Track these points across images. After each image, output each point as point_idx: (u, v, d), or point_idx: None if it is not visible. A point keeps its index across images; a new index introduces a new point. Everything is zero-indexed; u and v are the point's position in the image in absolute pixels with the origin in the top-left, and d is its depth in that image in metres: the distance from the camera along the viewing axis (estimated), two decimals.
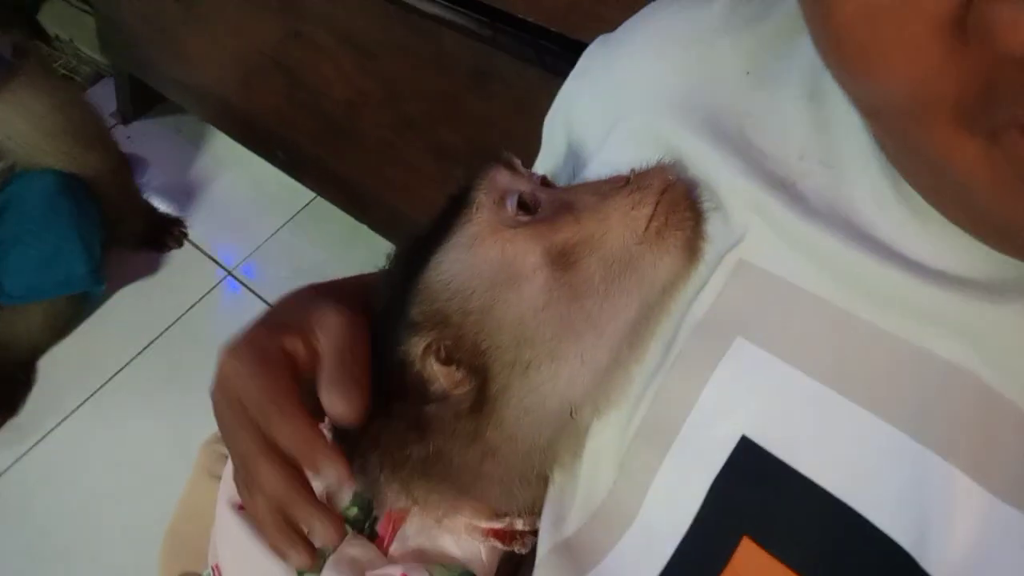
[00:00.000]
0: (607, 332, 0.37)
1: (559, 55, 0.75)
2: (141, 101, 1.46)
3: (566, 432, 0.39)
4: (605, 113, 0.43)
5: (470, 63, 0.84)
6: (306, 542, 0.34)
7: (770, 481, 0.31)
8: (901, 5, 0.20)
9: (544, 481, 0.42)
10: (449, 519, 0.43)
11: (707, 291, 0.35)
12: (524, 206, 0.40)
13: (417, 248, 0.44)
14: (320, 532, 0.34)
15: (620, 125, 0.41)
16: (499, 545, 0.43)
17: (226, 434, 0.36)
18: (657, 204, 0.36)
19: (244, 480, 0.35)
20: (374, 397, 0.40)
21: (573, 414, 0.38)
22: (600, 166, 0.42)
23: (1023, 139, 0.20)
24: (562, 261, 0.38)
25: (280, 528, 0.34)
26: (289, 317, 0.38)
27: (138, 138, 1.42)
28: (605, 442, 0.38)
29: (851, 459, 0.29)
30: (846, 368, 0.30)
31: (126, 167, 1.23)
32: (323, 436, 0.34)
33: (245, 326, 0.39)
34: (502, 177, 0.41)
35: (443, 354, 0.39)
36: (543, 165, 0.49)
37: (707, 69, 0.38)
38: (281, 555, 0.35)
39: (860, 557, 0.29)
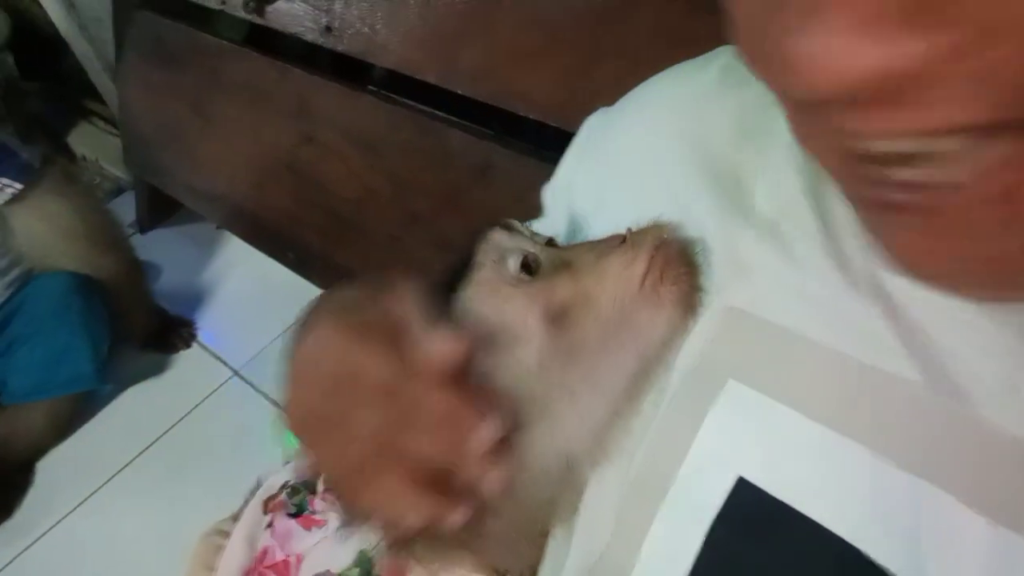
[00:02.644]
0: (605, 389, 0.37)
1: (557, 146, 0.79)
2: (158, 211, 1.52)
3: (566, 487, 0.38)
4: (602, 181, 0.45)
5: (473, 158, 0.88)
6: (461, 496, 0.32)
7: (767, 521, 0.31)
8: None
9: (546, 537, 0.41)
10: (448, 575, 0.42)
11: (697, 337, 0.35)
12: (525, 266, 0.41)
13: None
14: (495, 474, 0.32)
15: (617, 188, 0.43)
16: None
17: (333, 424, 0.33)
18: (651, 260, 0.37)
19: (367, 465, 0.33)
20: None
21: (572, 469, 0.38)
22: (600, 229, 0.43)
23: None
24: (560, 321, 0.38)
25: (438, 488, 0.32)
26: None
27: (153, 246, 1.47)
28: (603, 496, 0.38)
29: (848, 496, 0.29)
30: (840, 406, 0.30)
31: (140, 271, 1.26)
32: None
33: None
34: (501, 238, 0.43)
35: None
36: (541, 231, 0.50)
37: (700, 129, 0.40)
38: (439, 517, 0.32)
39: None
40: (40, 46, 1.78)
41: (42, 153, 1.14)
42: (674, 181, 0.40)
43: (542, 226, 0.50)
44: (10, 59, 1.68)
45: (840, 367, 0.30)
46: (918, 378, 0.28)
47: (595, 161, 0.47)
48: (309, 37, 1.02)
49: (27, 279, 1.15)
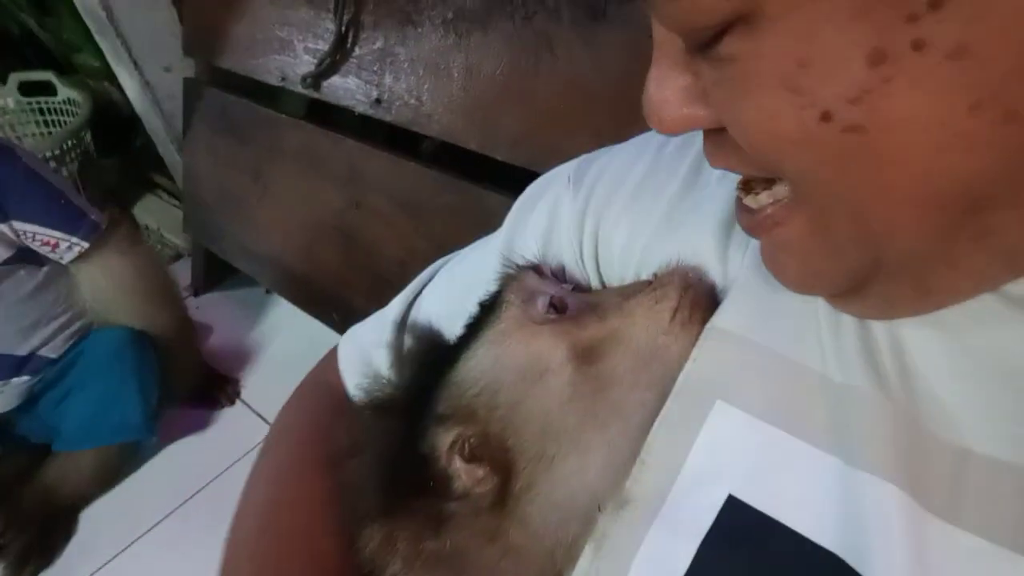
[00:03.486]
0: (633, 421, 0.38)
1: None
2: (211, 276, 1.59)
3: (591, 526, 0.39)
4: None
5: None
6: None
7: (755, 536, 0.32)
8: None
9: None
10: None
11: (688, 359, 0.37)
12: (553, 307, 0.43)
13: (444, 350, 0.47)
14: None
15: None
16: None
17: None
18: (680, 298, 0.39)
19: None
20: (390, 495, 0.41)
21: (601, 508, 0.38)
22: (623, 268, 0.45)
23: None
24: (588, 356, 0.40)
25: None
26: None
27: (205, 308, 1.54)
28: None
29: (827, 506, 0.31)
30: (825, 425, 0.32)
31: (191, 329, 1.31)
32: None
33: None
34: (531, 279, 0.45)
35: (467, 451, 0.40)
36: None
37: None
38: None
39: None
40: (116, 124, 1.93)
41: (109, 216, 1.22)
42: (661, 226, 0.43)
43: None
44: (88, 136, 1.82)
45: (820, 387, 0.33)
46: (879, 394, 0.31)
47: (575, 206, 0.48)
48: (360, 109, 1.09)
49: (87, 332, 1.21)
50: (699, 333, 0.38)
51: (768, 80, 0.24)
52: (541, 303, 0.43)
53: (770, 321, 0.35)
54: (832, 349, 0.33)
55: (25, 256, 1.14)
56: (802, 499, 0.31)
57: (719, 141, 0.29)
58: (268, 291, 1.53)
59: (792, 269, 0.31)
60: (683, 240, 0.41)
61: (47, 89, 1.95)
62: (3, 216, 1.10)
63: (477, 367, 0.44)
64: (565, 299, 0.43)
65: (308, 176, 1.20)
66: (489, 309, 0.46)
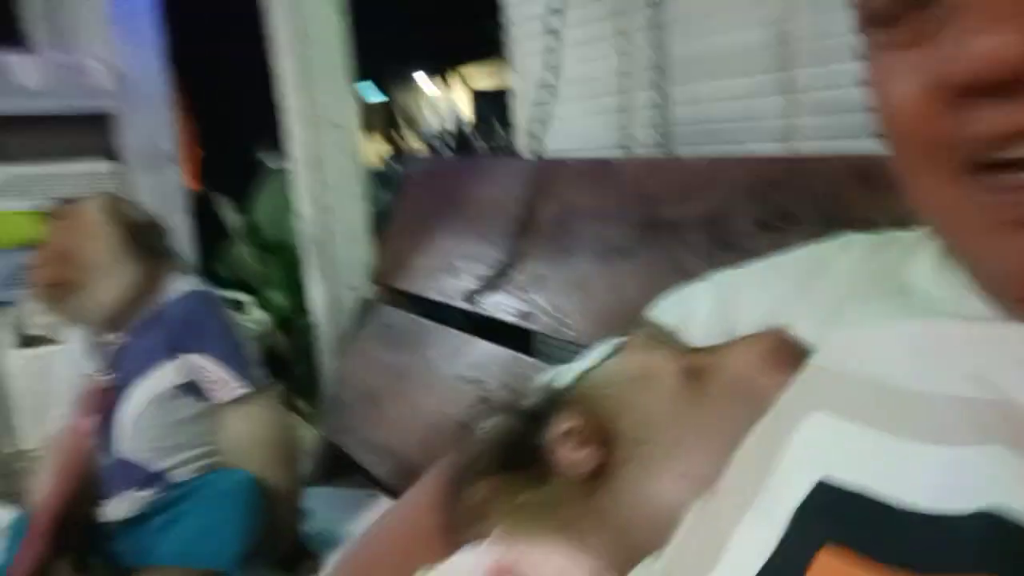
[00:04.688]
0: (723, 429, 0.45)
1: None
2: (326, 471, 1.69)
3: (676, 509, 0.45)
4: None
5: None
6: None
7: (841, 503, 0.35)
8: None
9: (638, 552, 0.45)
10: (546, 560, 0.47)
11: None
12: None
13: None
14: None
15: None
16: None
17: None
18: (773, 342, 0.49)
19: None
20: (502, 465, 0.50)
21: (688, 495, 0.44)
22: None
23: None
24: (693, 375, 0.49)
25: None
26: None
27: (311, 495, 1.60)
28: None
29: (929, 481, 0.33)
30: (918, 422, 0.36)
31: (299, 496, 1.39)
32: None
33: None
34: (655, 325, 0.56)
35: (578, 435, 0.49)
36: None
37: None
38: None
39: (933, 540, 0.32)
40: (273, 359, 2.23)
41: (268, 375, 1.40)
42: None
43: None
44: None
45: (907, 396, 0.37)
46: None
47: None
48: (508, 319, 1.26)
49: (212, 469, 1.31)
50: (786, 373, 0.46)
51: None
52: (662, 338, 0.53)
53: (863, 355, 0.41)
54: (915, 370, 0.38)
55: (192, 388, 1.32)
56: (896, 476, 0.34)
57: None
58: (372, 495, 1.59)
59: None
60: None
61: (240, 307, 2.33)
62: (191, 349, 1.30)
63: (600, 373, 0.53)
64: (675, 339, 0.53)
65: (439, 374, 1.35)
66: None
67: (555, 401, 0.52)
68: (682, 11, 1.28)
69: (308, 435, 1.80)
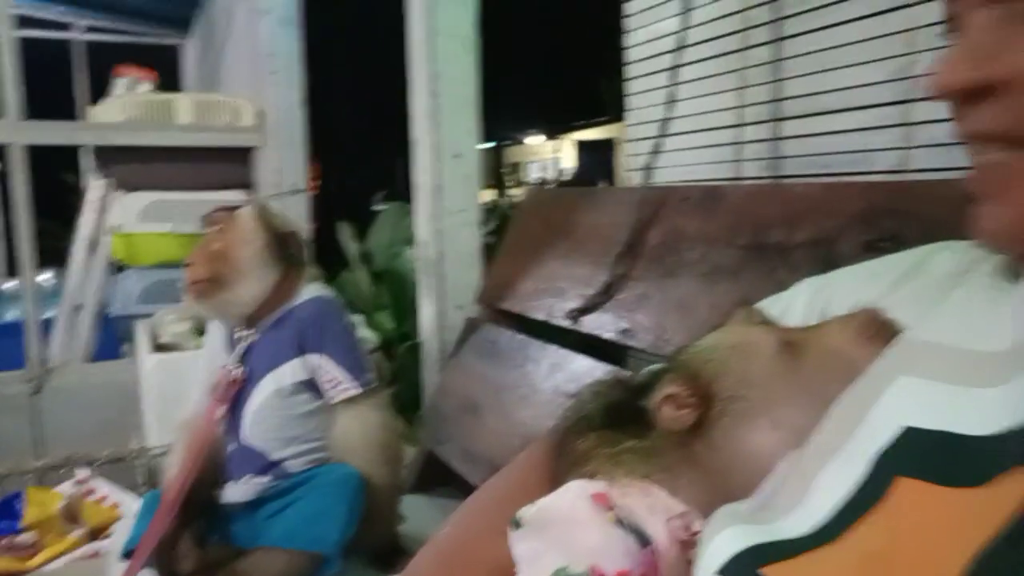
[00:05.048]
0: (814, 396, 0.49)
1: None
2: (424, 481, 1.75)
3: (767, 460, 0.49)
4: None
5: None
6: None
7: (924, 440, 0.39)
8: None
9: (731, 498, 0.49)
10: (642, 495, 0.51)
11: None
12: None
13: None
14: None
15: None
16: (679, 531, 0.49)
17: None
18: (866, 320, 0.52)
19: None
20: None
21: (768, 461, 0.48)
22: None
23: None
24: (790, 347, 0.53)
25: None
26: None
27: (407, 502, 1.67)
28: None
29: (984, 416, 0.37)
30: (992, 376, 0.40)
31: (399, 494, 1.45)
32: None
33: None
34: (757, 307, 0.61)
35: (679, 398, 0.54)
36: None
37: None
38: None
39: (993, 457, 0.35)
40: None
41: (378, 377, 1.49)
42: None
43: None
44: None
45: (980, 357, 0.42)
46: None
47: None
48: (608, 337, 1.31)
49: (323, 463, 1.40)
50: (877, 346, 0.49)
51: None
52: (759, 316, 0.57)
53: (943, 326, 0.46)
54: (986, 335, 0.42)
55: (312, 385, 1.42)
56: (965, 416, 0.38)
57: (978, 108, 0.40)
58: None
59: (1008, 218, 0.42)
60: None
61: None
62: (316, 348, 1.41)
63: (702, 343, 0.57)
64: (774, 322, 0.57)
65: (542, 389, 1.40)
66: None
67: (660, 372, 0.56)
68: (801, 48, 1.32)
69: (408, 450, 1.88)
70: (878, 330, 0.51)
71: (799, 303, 0.63)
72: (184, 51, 5.04)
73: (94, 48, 4.81)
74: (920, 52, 1.11)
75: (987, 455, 0.36)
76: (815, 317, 0.59)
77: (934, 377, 0.42)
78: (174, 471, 1.41)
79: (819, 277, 0.66)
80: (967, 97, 0.41)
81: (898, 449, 0.40)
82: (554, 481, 0.55)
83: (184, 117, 3.01)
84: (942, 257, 0.55)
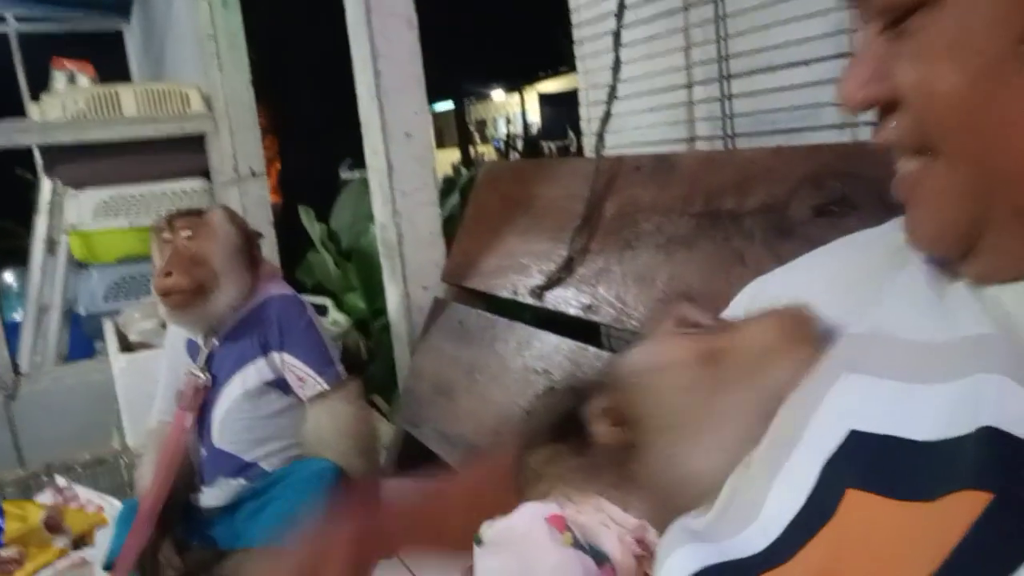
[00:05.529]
0: (744, 413, 0.48)
1: None
2: (403, 463, 1.76)
3: (701, 479, 0.48)
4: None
5: None
6: None
7: (870, 446, 0.39)
8: None
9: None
10: (598, 513, 0.51)
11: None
12: (695, 324, 0.56)
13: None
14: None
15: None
16: (633, 546, 0.49)
17: None
18: (787, 319, 0.50)
19: None
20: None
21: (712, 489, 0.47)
22: None
23: None
24: (712, 359, 0.52)
25: None
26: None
27: (387, 488, 1.68)
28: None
29: (944, 412, 0.37)
30: (934, 369, 0.40)
31: (375, 485, 1.46)
32: None
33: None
34: (683, 306, 0.59)
35: (611, 415, 0.53)
36: None
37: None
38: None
39: (946, 464, 0.35)
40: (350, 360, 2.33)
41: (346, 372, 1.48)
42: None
43: None
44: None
45: (923, 349, 0.41)
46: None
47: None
48: (572, 312, 1.30)
49: (298, 458, 1.40)
50: (806, 346, 0.48)
51: (939, 49, 0.36)
52: (681, 319, 0.56)
53: (887, 315, 0.45)
54: (930, 325, 0.42)
55: (279, 384, 1.41)
56: (912, 417, 0.38)
57: (886, 120, 0.41)
58: None
59: (928, 224, 0.42)
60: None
61: (322, 310, 2.44)
62: (280, 347, 1.39)
63: (630, 358, 0.57)
64: (706, 323, 0.56)
65: (513, 368, 1.40)
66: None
67: (598, 382, 0.56)
68: (743, 3, 1.29)
69: (385, 429, 1.88)
70: (798, 325, 0.50)
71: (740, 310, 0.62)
72: (127, 37, 4.86)
73: (32, 39, 4.63)
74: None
75: (936, 465, 0.35)
76: None
77: (878, 373, 0.41)
78: (147, 481, 1.40)
79: (760, 280, 0.64)
80: (872, 108, 0.42)
81: (845, 456, 0.39)
82: (513, 493, 0.55)
83: (130, 108, 2.92)
84: (871, 240, 0.54)
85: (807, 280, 0.55)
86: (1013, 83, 0.35)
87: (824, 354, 0.47)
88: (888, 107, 0.41)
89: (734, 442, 0.47)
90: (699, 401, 0.49)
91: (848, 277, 0.53)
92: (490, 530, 0.51)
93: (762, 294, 0.59)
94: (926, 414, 0.37)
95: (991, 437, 0.33)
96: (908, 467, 0.36)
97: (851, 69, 0.42)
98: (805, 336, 0.48)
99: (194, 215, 1.42)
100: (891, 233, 0.54)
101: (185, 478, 1.41)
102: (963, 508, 0.32)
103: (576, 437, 0.54)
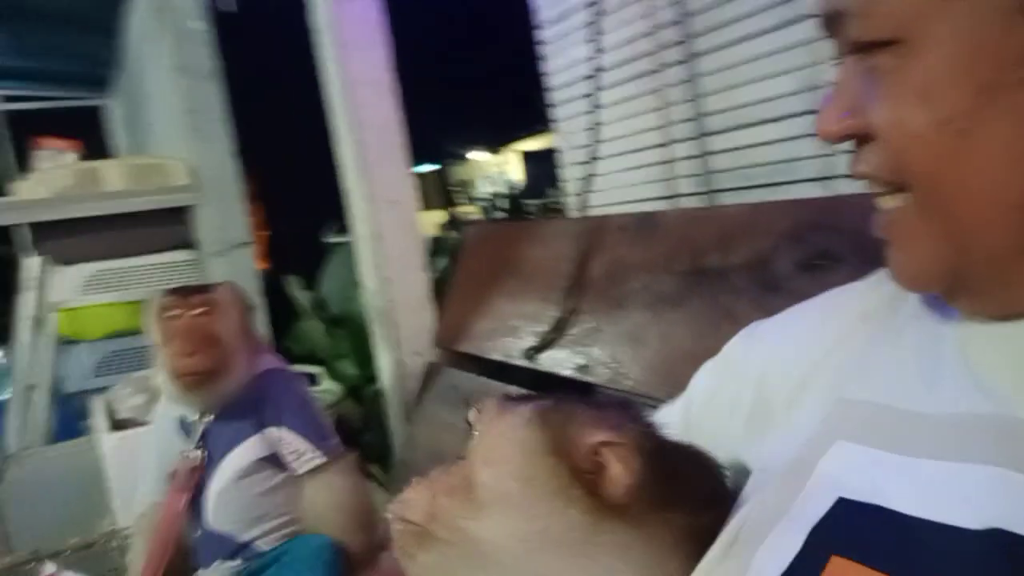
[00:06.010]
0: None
1: None
2: None
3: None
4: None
5: None
6: None
7: (856, 515, 0.39)
8: None
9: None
10: None
11: (812, 420, 0.47)
12: None
13: None
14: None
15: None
16: None
17: None
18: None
19: None
20: None
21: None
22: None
23: None
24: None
25: None
26: None
27: (387, 560, 1.64)
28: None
29: (934, 493, 0.37)
30: (924, 442, 0.39)
31: (377, 555, 1.43)
32: None
33: None
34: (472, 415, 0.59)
35: None
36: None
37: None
38: None
39: (939, 549, 0.35)
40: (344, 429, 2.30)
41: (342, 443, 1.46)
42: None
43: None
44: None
45: (914, 418, 0.41)
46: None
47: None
48: (566, 373, 1.30)
49: (295, 536, 1.37)
50: None
51: (908, 91, 0.37)
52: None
53: (879, 382, 0.45)
54: (922, 393, 0.42)
55: (274, 460, 1.39)
56: (905, 489, 0.38)
57: (862, 152, 0.42)
58: None
59: (907, 265, 0.43)
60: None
61: (313, 379, 2.42)
62: (276, 422, 1.38)
63: None
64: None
65: None
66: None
67: None
68: (715, 64, 1.33)
69: (382, 500, 1.86)
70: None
71: (698, 387, 0.63)
72: (109, 111, 4.93)
73: (16, 117, 4.68)
74: (825, 62, 1.13)
75: (932, 549, 0.34)
76: (748, 391, 0.57)
77: (869, 443, 0.41)
78: (140, 565, 1.37)
79: (755, 324, 0.64)
80: (848, 140, 0.43)
81: (832, 523, 0.39)
82: None
83: (114, 182, 2.94)
84: (866, 289, 0.54)
85: (802, 329, 0.55)
86: (976, 132, 0.35)
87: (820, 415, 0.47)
88: (863, 140, 0.41)
89: None
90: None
91: (841, 327, 0.53)
92: None
93: (758, 341, 0.59)
94: (916, 488, 0.37)
95: (1004, 541, 0.33)
96: (897, 541, 0.36)
97: (828, 101, 0.42)
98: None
99: (205, 292, 1.41)
100: (887, 283, 0.55)
101: (179, 562, 1.38)
102: None
103: None
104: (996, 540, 0.33)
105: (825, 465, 0.43)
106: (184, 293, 1.40)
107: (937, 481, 0.37)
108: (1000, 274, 0.38)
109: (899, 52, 0.37)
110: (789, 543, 0.40)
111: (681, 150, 1.45)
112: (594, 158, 1.30)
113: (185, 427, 1.42)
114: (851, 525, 0.38)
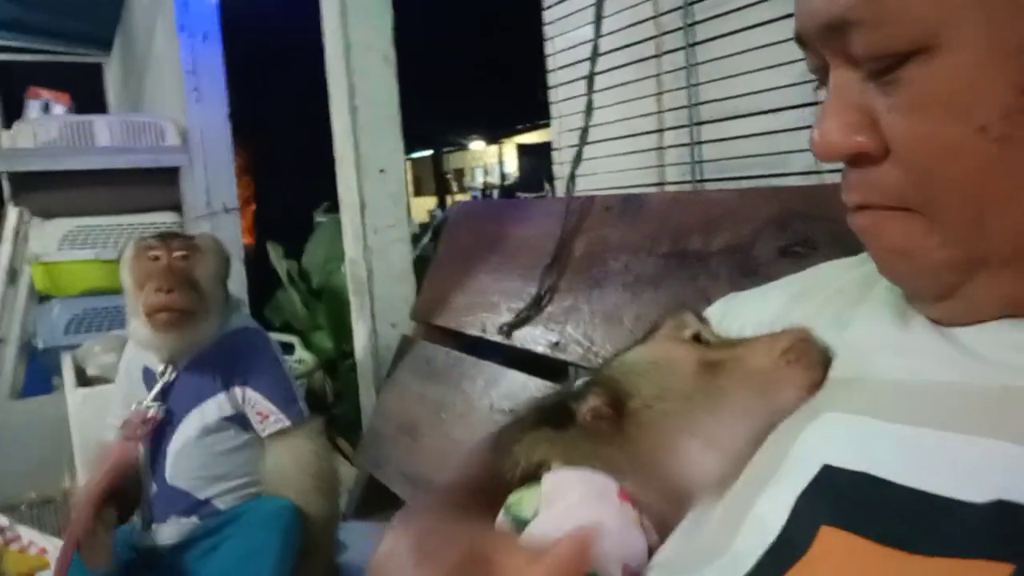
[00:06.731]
0: (735, 433, 0.48)
1: None
2: (363, 508, 1.71)
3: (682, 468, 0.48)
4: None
5: None
6: None
7: (846, 484, 0.38)
8: None
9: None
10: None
11: None
12: (696, 337, 0.56)
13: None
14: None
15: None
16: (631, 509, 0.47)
17: None
18: (793, 344, 0.49)
19: None
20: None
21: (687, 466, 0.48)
22: None
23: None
24: (711, 368, 0.51)
25: None
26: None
27: (347, 530, 1.63)
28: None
29: (926, 462, 0.35)
30: (910, 411, 0.38)
31: (336, 524, 1.41)
32: None
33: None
34: (688, 317, 0.58)
35: (602, 396, 0.51)
36: None
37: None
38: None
39: (942, 522, 0.33)
40: (315, 402, 2.28)
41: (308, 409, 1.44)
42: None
43: None
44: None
45: (912, 387, 0.40)
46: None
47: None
48: (539, 351, 1.29)
49: (254, 496, 1.35)
50: (805, 369, 0.47)
51: (938, 99, 0.34)
52: (688, 332, 0.55)
53: (859, 354, 0.45)
54: (905, 364, 0.41)
55: (238, 419, 1.37)
56: (900, 458, 0.36)
57: (865, 174, 0.39)
58: None
59: (904, 269, 0.41)
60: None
61: (289, 349, 2.40)
62: (243, 382, 1.36)
63: (626, 357, 0.56)
64: (707, 336, 0.55)
65: (480, 407, 1.38)
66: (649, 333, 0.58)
67: (588, 382, 0.55)
68: (713, 52, 1.33)
69: (347, 473, 1.84)
70: (803, 353, 0.49)
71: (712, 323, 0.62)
72: (106, 70, 4.87)
73: (10, 68, 4.62)
74: None
75: (929, 519, 0.33)
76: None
77: (856, 411, 0.40)
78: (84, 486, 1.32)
79: (732, 296, 0.64)
80: (850, 160, 0.40)
81: (817, 491, 0.38)
82: (497, 480, 0.53)
83: (104, 139, 2.90)
84: (846, 270, 0.54)
85: (780, 297, 0.55)
86: (1017, 137, 0.32)
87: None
88: (869, 159, 0.38)
89: (717, 439, 0.46)
90: (692, 396, 0.49)
91: (817, 297, 0.53)
92: (549, 481, 0.48)
93: (733, 311, 0.58)
94: (903, 456, 0.36)
95: (1012, 514, 0.31)
96: (889, 511, 0.35)
97: (829, 116, 0.39)
98: (805, 361, 0.47)
99: (187, 237, 1.40)
100: (867, 264, 0.54)
101: (125, 493, 1.33)
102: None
103: (561, 421, 0.53)
104: (1002, 512, 0.31)
105: (810, 432, 0.42)
106: (165, 237, 1.38)
107: (938, 451, 0.35)
108: (1013, 278, 0.37)
109: (922, 62, 0.34)
110: (776, 512, 0.39)
111: (672, 137, 1.44)
112: (585, 131, 1.29)
113: (148, 377, 1.40)
114: (838, 493, 0.37)
